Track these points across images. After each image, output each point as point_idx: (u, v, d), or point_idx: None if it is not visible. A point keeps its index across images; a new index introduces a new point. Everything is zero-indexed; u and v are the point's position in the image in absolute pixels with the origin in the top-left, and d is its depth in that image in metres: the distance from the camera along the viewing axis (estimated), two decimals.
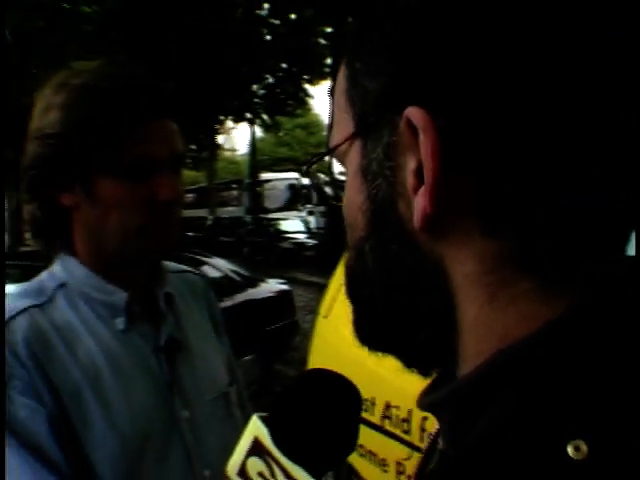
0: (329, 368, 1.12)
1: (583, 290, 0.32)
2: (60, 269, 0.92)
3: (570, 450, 0.27)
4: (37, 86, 0.91)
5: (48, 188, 0.87)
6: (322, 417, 0.59)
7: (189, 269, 1.13)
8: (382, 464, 2.21)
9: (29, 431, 0.78)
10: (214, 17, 13.93)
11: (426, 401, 0.37)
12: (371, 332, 0.40)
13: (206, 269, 5.69)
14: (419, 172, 0.33)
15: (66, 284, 0.91)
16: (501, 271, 0.32)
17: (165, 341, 0.93)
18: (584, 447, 0.27)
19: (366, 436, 2.32)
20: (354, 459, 2.44)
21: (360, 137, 0.37)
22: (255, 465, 0.61)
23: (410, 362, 0.39)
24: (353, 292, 0.40)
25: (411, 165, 0.33)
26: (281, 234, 16.39)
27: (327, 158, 0.42)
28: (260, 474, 0.60)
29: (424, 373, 0.40)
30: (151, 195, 0.86)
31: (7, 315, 0.84)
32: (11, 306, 0.86)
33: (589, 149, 0.31)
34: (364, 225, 0.37)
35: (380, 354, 0.40)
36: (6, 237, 16.07)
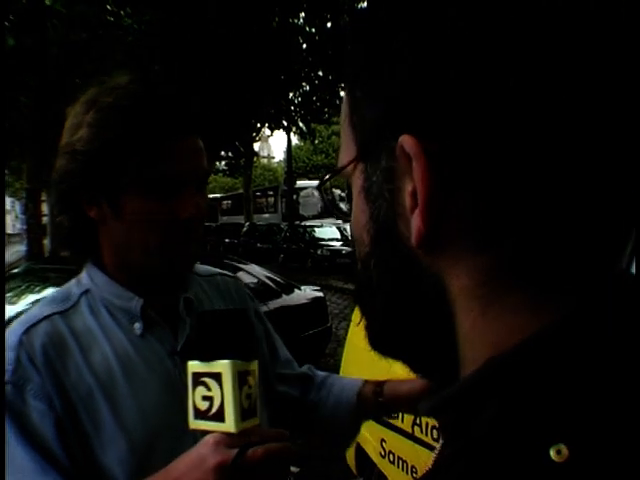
0: (362, 376, 1.15)
1: (574, 302, 0.33)
2: (86, 276, 0.97)
3: (552, 453, 0.29)
4: (80, 96, 0.95)
5: (77, 201, 0.91)
6: (224, 329, 0.78)
7: (220, 272, 1.15)
8: (412, 471, 2.21)
9: (39, 433, 0.82)
10: (251, 27, 14.09)
11: (426, 405, 0.39)
12: (378, 339, 0.43)
13: (242, 275, 5.75)
14: (415, 194, 0.35)
15: (90, 290, 0.95)
16: (493, 285, 0.34)
17: (182, 344, 0.96)
18: (565, 450, 0.29)
19: (396, 443, 2.31)
20: (384, 465, 2.44)
21: (362, 161, 0.39)
22: (199, 393, 0.77)
23: (415, 368, 0.42)
24: (361, 302, 0.43)
25: (408, 188, 0.35)
26: (316, 241, 16.43)
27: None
28: (204, 397, 0.77)
29: (429, 378, 0.42)
30: (174, 213, 0.89)
31: (29, 323, 0.89)
32: (36, 313, 0.92)
33: (574, 170, 0.32)
34: (368, 242, 0.40)
35: (390, 359, 0.43)
36: (47, 242, 16.49)
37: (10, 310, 4.40)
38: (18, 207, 46.76)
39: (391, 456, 2.38)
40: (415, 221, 0.35)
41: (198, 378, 0.78)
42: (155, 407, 0.90)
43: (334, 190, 0.48)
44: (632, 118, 0.32)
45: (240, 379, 0.76)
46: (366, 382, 1.16)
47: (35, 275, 5.00)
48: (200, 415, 0.77)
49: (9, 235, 41.36)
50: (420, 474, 0.38)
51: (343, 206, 0.47)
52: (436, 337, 0.38)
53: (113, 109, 0.87)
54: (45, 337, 0.88)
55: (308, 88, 20.09)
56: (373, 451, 2.57)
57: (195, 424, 0.79)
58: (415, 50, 0.35)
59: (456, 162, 0.34)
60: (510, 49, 0.32)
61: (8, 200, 51.78)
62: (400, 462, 2.30)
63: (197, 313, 0.83)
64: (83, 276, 0.98)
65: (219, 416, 0.76)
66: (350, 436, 1.20)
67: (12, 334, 0.88)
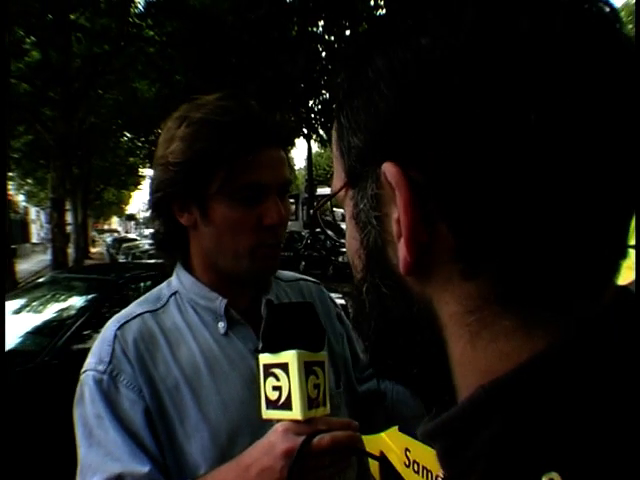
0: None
1: (563, 327, 0.33)
2: (175, 279, 1.06)
3: None
4: (102, 106, 0.99)
5: (170, 208, 0.99)
6: (293, 322, 0.82)
7: (303, 277, 1.21)
8: None
9: (129, 419, 0.90)
10: (270, 35, 14.20)
11: (423, 430, 0.38)
12: (375, 361, 0.43)
13: None
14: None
15: (178, 292, 1.04)
16: (482, 311, 0.34)
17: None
18: (558, 478, 0.29)
19: (421, 452, 2.29)
20: (409, 475, 2.42)
21: (350, 187, 0.39)
22: (269, 384, 0.81)
23: (413, 390, 0.42)
24: (356, 325, 0.43)
25: (394, 215, 0.35)
26: (337, 248, 16.43)
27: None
28: (273, 387, 0.81)
29: (426, 401, 0.42)
30: (259, 219, 0.95)
31: (124, 319, 0.99)
32: (129, 311, 1.01)
33: (560, 194, 0.32)
34: (361, 268, 0.40)
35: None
36: (71, 251, 16.74)
37: (36, 319, 4.47)
38: (43, 216, 47.54)
39: (415, 466, 2.36)
40: (401, 249, 0.35)
41: (268, 369, 0.81)
42: (236, 402, 0.95)
43: (335, 210, 0.47)
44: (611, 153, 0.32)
45: (307, 369, 0.80)
46: None
47: (60, 284, 5.07)
48: (271, 405, 0.81)
49: (33, 244, 42.03)
50: None
51: (344, 226, 0.47)
52: (428, 363, 0.38)
53: (202, 123, 0.94)
54: (137, 333, 0.97)
55: (328, 96, 20.18)
56: (397, 460, 2.55)
57: (267, 414, 0.82)
58: (391, 81, 0.34)
59: (439, 191, 0.33)
60: (488, 84, 0.31)
61: (33, 210, 52.72)
62: (425, 472, 2.28)
63: (267, 306, 0.88)
64: (173, 279, 1.07)
65: (287, 405, 0.79)
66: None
67: (108, 330, 0.98)
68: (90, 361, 0.96)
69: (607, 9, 0.33)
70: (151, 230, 1.11)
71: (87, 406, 0.92)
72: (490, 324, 0.34)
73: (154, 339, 0.97)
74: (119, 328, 0.97)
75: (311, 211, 23.27)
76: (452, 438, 0.35)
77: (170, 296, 1.03)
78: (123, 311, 1.02)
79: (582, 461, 0.29)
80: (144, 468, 0.87)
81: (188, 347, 0.98)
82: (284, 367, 0.80)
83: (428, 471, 2.27)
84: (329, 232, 0.50)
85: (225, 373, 0.97)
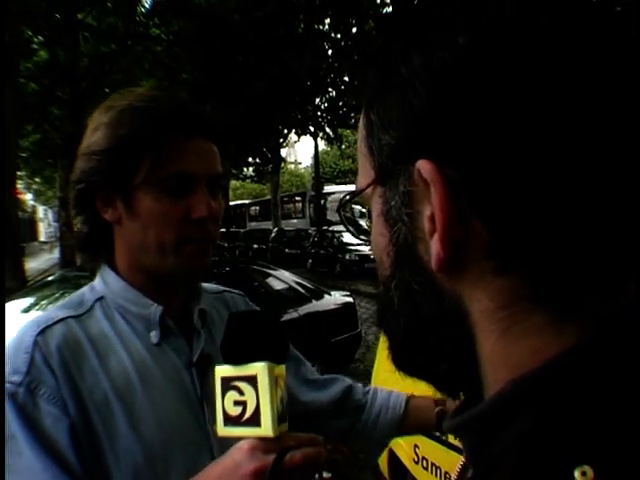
0: (394, 381, 1.15)
1: (593, 323, 0.33)
2: (100, 282, 0.96)
3: (577, 474, 0.29)
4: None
5: (92, 203, 0.92)
6: (258, 331, 0.77)
7: (227, 289, 1.15)
8: (445, 477, 2.19)
9: (52, 438, 0.79)
10: (276, 33, 14.19)
11: (450, 424, 0.39)
12: (401, 359, 0.43)
13: (271, 281, 5.77)
14: (434, 219, 0.35)
15: (104, 297, 0.94)
16: (513, 307, 0.35)
17: (197, 356, 0.95)
18: (590, 472, 0.29)
19: (430, 449, 2.30)
20: (417, 472, 2.42)
21: (380, 184, 0.40)
22: (230, 399, 0.76)
23: (438, 387, 0.43)
24: (383, 323, 0.43)
25: (427, 212, 0.36)
26: (344, 246, 16.41)
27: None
28: (235, 402, 0.75)
29: (452, 396, 0.42)
30: (187, 212, 0.89)
31: (45, 324, 0.87)
32: (50, 315, 0.89)
33: (589, 191, 0.33)
34: (389, 265, 0.40)
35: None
36: (57, 252, 16.77)
37: None
38: (50, 215, 47.68)
39: (424, 462, 2.36)
40: (434, 246, 0.36)
41: (228, 383, 0.75)
42: (172, 418, 0.88)
43: (353, 207, 0.48)
44: (633, 151, 0.33)
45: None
46: (414, 396, 1.16)
47: (69, 282, 5.09)
48: (231, 421, 0.75)
49: (41, 243, 42.16)
50: None
51: (364, 223, 0.47)
52: (457, 358, 0.39)
53: (128, 109, 0.90)
54: (61, 339, 0.85)
55: (334, 93, 20.14)
56: (406, 457, 2.56)
57: (225, 431, 0.76)
58: (427, 79, 0.35)
59: (474, 188, 0.34)
60: (523, 85, 0.33)
61: (41, 208, 52.90)
62: (434, 468, 2.29)
63: (229, 314, 0.81)
64: (97, 282, 0.96)
65: (253, 420, 0.73)
66: (386, 445, 1.19)
67: (25, 335, 0.85)
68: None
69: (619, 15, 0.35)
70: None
71: None
72: (521, 320, 0.35)
73: (80, 347, 0.86)
74: (40, 333, 0.85)
75: (326, 206, 23.21)
76: (481, 433, 0.36)
77: (95, 301, 0.93)
78: (41, 314, 0.90)
79: (614, 454, 0.30)
80: None
81: (118, 357, 0.88)
82: (251, 380, 0.74)
83: (437, 467, 2.27)
84: (350, 228, 0.50)
85: (160, 387, 0.89)
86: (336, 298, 6.13)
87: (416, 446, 2.43)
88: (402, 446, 2.57)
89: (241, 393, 0.74)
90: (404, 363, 0.43)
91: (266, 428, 0.73)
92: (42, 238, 46.43)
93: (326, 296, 6.04)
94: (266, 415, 0.73)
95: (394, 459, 2.71)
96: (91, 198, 0.91)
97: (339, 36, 16.37)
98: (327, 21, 15.52)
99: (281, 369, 0.77)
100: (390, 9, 12.43)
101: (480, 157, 0.33)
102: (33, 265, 21.53)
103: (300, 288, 5.93)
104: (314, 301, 5.73)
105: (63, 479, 0.77)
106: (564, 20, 0.33)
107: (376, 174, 0.40)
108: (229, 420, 0.75)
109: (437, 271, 0.36)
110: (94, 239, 0.96)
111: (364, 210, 0.45)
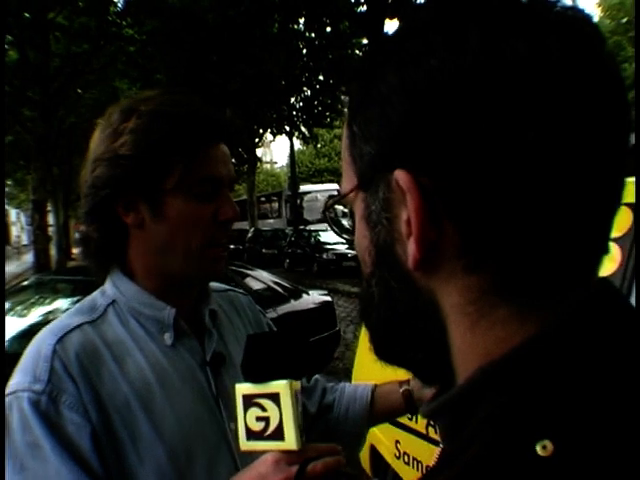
0: (374, 378, 1.16)
1: (552, 315, 0.37)
2: (111, 286, 0.96)
3: (538, 448, 0.32)
4: (82, 106, 0.97)
5: (112, 208, 0.91)
6: (277, 350, 0.82)
7: (231, 288, 1.18)
8: (427, 471, 2.21)
9: (75, 445, 0.81)
10: (251, 33, 14.15)
11: (426, 409, 0.43)
12: (381, 349, 0.47)
13: (249, 281, 5.76)
14: (410, 222, 0.39)
15: (116, 301, 0.94)
16: (481, 302, 0.38)
17: (211, 356, 0.97)
18: (550, 445, 0.32)
19: (411, 444, 2.32)
20: (399, 467, 2.44)
21: (362, 190, 0.43)
22: (252, 415, 0.80)
23: (416, 374, 0.47)
24: (364, 316, 0.47)
25: (404, 216, 0.39)
26: (322, 245, 16.43)
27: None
28: (257, 418, 0.79)
29: (429, 384, 0.47)
30: (213, 214, 0.92)
31: (62, 332, 0.88)
32: (65, 323, 0.90)
33: (552, 198, 0.36)
34: (370, 263, 0.44)
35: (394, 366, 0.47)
36: (54, 252, 16.54)
37: (22, 322, 4.42)
38: (23, 218, 46.90)
39: (406, 457, 2.39)
40: (410, 247, 0.39)
41: (250, 400, 0.79)
42: (191, 417, 0.91)
43: (336, 207, 0.51)
44: (601, 166, 0.37)
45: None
46: (378, 384, 1.19)
47: (46, 287, 5.02)
48: (254, 436, 0.79)
49: (14, 247, 41.41)
50: None
51: (345, 222, 0.52)
52: (431, 349, 0.42)
53: (156, 114, 0.90)
54: (79, 346, 0.87)
55: (309, 93, 20.15)
56: (387, 452, 2.58)
57: (248, 445, 0.80)
58: (403, 96, 0.38)
59: (446, 195, 0.37)
60: (490, 103, 0.35)
61: (13, 212, 51.92)
62: (415, 463, 2.31)
63: (247, 336, 0.85)
64: (107, 287, 0.97)
65: (277, 435, 0.78)
66: (362, 435, 1.21)
67: (43, 344, 0.87)
68: (20, 380, 0.84)
69: (588, 28, 0.38)
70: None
71: (16, 435, 0.81)
72: (488, 313, 0.38)
73: (98, 352, 0.88)
74: (58, 342, 0.86)
75: (300, 206, 23.21)
76: (452, 415, 0.40)
77: (107, 306, 0.94)
78: (56, 322, 0.91)
79: (572, 429, 0.33)
80: None
81: (134, 360, 0.90)
82: (273, 397, 0.78)
83: (418, 462, 2.30)
84: (335, 229, 0.54)
85: (177, 387, 0.91)
86: (314, 297, 6.15)
87: (397, 442, 2.45)
88: (383, 442, 2.59)
89: (263, 409, 0.79)
90: (384, 353, 0.47)
91: (290, 442, 0.77)
92: (14, 242, 45.58)
93: (304, 295, 6.05)
94: (290, 430, 0.77)
95: (376, 455, 2.73)
96: (112, 203, 0.91)
97: (314, 35, 16.39)
98: (302, 21, 15.51)
99: (297, 384, 0.81)
100: (364, 8, 12.46)
101: (451, 167, 0.36)
102: (7, 269, 21.15)
103: (278, 288, 5.93)
104: (292, 301, 5.74)
105: None
106: (525, 43, 0.35)
107: (358, 181, 0.43)
108: (252, 435, 0.79)
109: (413, 270, 0.40)
110: (107, 244, 0.95)
111: (346, 210, 0.49)
